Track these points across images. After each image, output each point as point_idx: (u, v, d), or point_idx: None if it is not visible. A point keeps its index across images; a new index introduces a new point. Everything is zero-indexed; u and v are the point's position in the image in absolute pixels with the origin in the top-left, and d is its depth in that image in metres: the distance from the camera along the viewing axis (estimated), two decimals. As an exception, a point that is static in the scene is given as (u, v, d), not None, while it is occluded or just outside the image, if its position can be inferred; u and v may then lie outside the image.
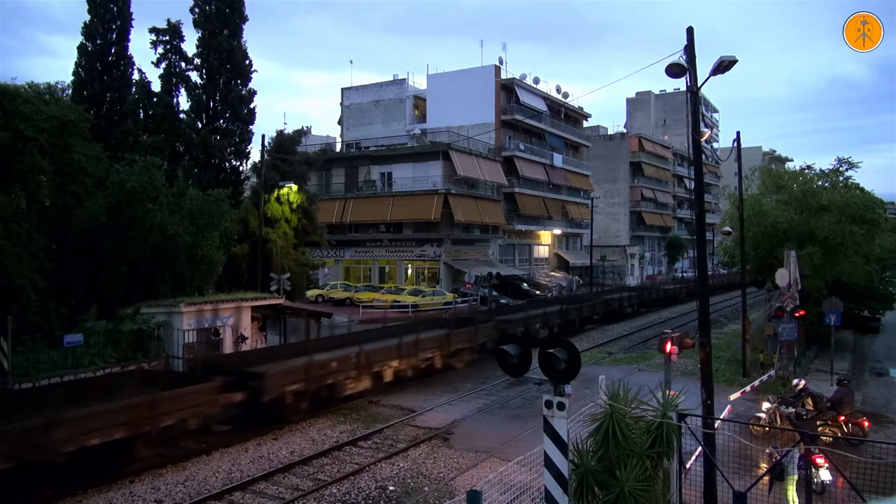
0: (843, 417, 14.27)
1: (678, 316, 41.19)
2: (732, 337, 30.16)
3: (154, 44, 31.53)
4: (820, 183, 27.23)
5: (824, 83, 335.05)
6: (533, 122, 56.43)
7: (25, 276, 18.39)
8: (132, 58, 29.76)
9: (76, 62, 28.70)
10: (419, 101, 58.13)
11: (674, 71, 10.62)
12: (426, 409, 17.83)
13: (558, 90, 62.23)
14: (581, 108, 66.36)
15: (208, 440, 14.35)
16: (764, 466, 11.60)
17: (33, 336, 18.24)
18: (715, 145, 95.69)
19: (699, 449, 9.64)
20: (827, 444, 11.74)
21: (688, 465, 9.47)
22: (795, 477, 10.23)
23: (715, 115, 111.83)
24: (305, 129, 37.77)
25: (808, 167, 28.48)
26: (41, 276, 19.21)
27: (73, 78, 28.62)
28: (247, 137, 32.68)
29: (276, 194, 31.49)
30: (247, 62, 32.54)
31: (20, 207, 19.96)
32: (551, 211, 57.90)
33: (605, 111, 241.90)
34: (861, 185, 27.24)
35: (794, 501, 10.22)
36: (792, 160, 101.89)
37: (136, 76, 30.38)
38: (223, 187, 26.31)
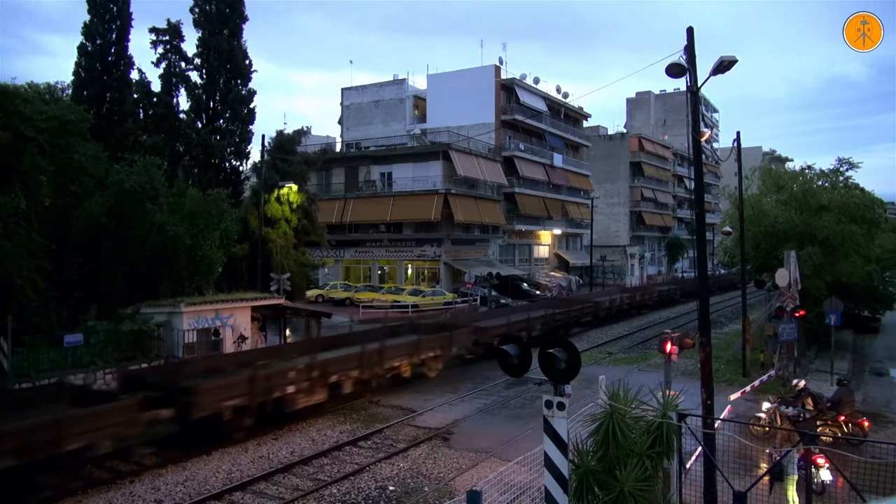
0: (843, 417, 14.27)
1: (678, 316, 41.20)
2: (732, 337, 30.15)
3: (154, 44, 31.59)
4: (820, 183, 27.20)
5: (824, 83, 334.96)
6: (533, 122, 56.44)
7: (25, 276, 18.41)
8: (132, 58, 29.79)
9: (76, 62, 28.71)
10: (419, 101, 58.13)
11: (674, 71, 10.63)
12: (426, 409, 17.83)
13: (558, 90, 62.26)
14: (581, 108, 66.37)
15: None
16: (764, 466, 11.60)
17: (33, 336, 18.26)
18: (715, 145, 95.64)
19: (699, 449, 9.64)
20: (827, 444, 11.74)
21: (688, 465, 9.47)
22: (795, 477, 10.23)
23: (715, 115, 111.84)
24: (305, 129, 37.85)
25: (809, 167, 28.46)
26: (41, 276, 19.23)
27: (72, 78, 28.65)
28: (247, 137, 32.73)
29: (276, 194, 31.53)
30: (247, 62, 32.59)
31: (20, 207, 19.99)
32: (551, 211, 57.90)
33: (605, 111, 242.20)
34: (861, 185, 27.24)
35: (794, 501, 10.22)
36: (792, 160, 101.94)
37: (136, 76, 30.44)
38: (223, 187, 26.35)
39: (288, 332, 25.44)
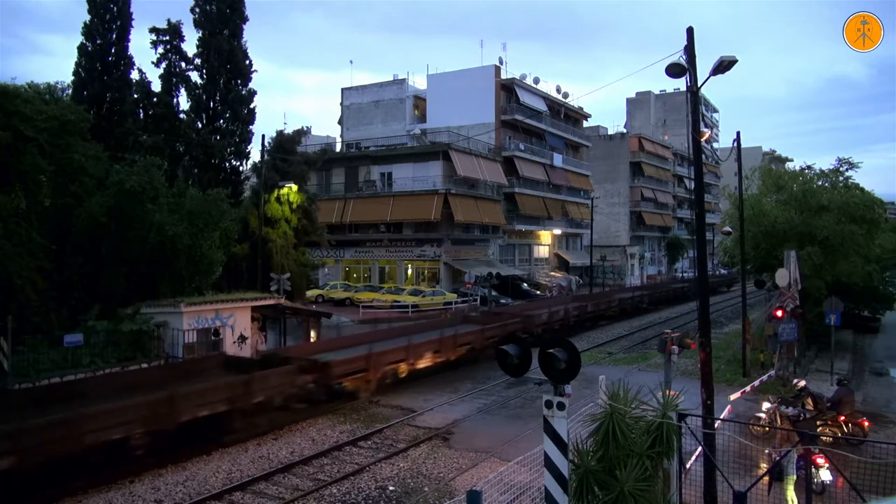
0: (843, 417, 14.27)
1: (678, 316, 41.21)
2: (732, 337, 30.16)
3: (154, 44, 31.58)
4: (820, 183, 27.20)
5: (823, 83, 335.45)
6: (533, 122, 56.43)
7: (25, 276, 18.40)
8: (132, 58, 29.80)
9: (76, 62, 28.71)
10: (419, 101, 58.12)
11: (674, 71, 10.63)
12: (426, 409, 17.83)
13: (558, 90, 62.25)
14: (581, 108, 66.37)
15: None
16: (764, 466, 11.60)
17: (33, 336, 18.25)
18: (715, 145, 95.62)
19: (699, 449, 9.64)
20: (827, 444, 11.74)
21: (688, 465, 9.47)
22: (794, 477, 10.24)
23: (715, 115, 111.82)
24: (305, 129, 37.80)
25: (808, 167, 28.44)
26: (41, 276, 19.22)
27: (73, 78, 28.65)
28: (247, 137, 32.71)
29: (276, 194, 31.50)
30: (247, 62, 32.57)
31: (20, 207, 19.98)
32: (551, 211, 57.90)
33: (605, 111, 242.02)
34: (861, 185, 27.23)
35: (793, 502, 10.23)
36: (792, 160, 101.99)
37: (136, 76, 30.44)
38: (223, 187, 26.34)
39: (313, 334, 24.80)
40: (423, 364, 20.59)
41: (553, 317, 30.81)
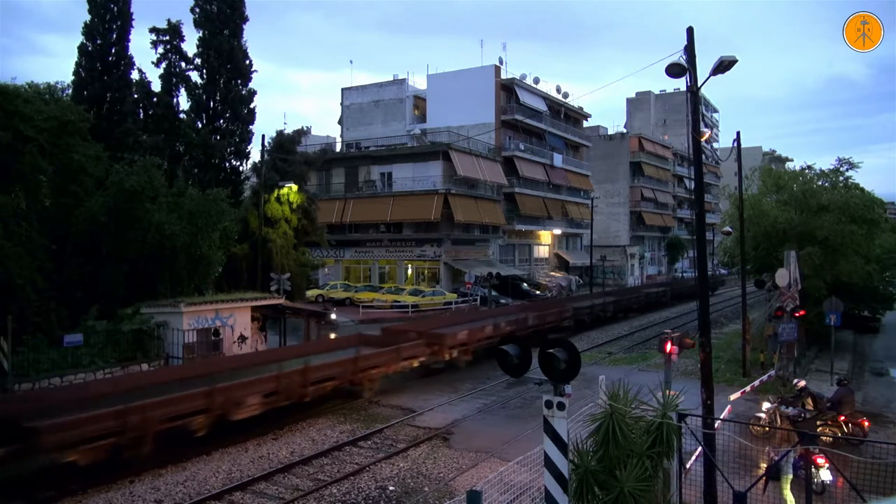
0: (843, 417, 14.27)
1: (678, 316, 41.18)
2: (732, 337, 30.15)
3: (154, 44, 31.51)
4: (820, 183, 27.21)
5: (823, 83, 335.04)
6: (533, 122, 56.44)
7: (25, 276, 18.41)
8: (132, 58, 29.75)
9: (76, 62, 28.70)
10: (419, 101, 58.14)
11: (674, 71, 10.63)
12: (426, 409, 17.83)
13: (558, 90, 62.26)
14: (581, 108, 66.37)
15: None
16: (764, 466, 11.60)
17: (33, 336, 18.26)
18: (715, 145, 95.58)
19: (699, 449, 9.64)
20: (827, 444, 11.74)
21: (688, 465, 9.48)
22: (790, 476, 10.25)
23: (715, 115, 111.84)
24: (305, 129, 37.80)
25: (808, 167, 28.46)
26: (41, 276, 19.23)
27: (73, 78, 28.62)
28: (247, 137, 32.67)
29: (276, 194, 31.51)
30: (247, 62, 32.53)
31: (20, 207, 19.98)
32: (551, 211, 57.91)
33: (605, 111, 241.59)
34: (861, 185, 27.26)
35: (790, 501, 10.23)
36: (792, 160, 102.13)
37: (136, 76, 30.37)
38: (223, 187, 26.32)
39: (333, 335, 24.18)
40: (244, 414, 14.79)
41: (474, 336, 23.24)
